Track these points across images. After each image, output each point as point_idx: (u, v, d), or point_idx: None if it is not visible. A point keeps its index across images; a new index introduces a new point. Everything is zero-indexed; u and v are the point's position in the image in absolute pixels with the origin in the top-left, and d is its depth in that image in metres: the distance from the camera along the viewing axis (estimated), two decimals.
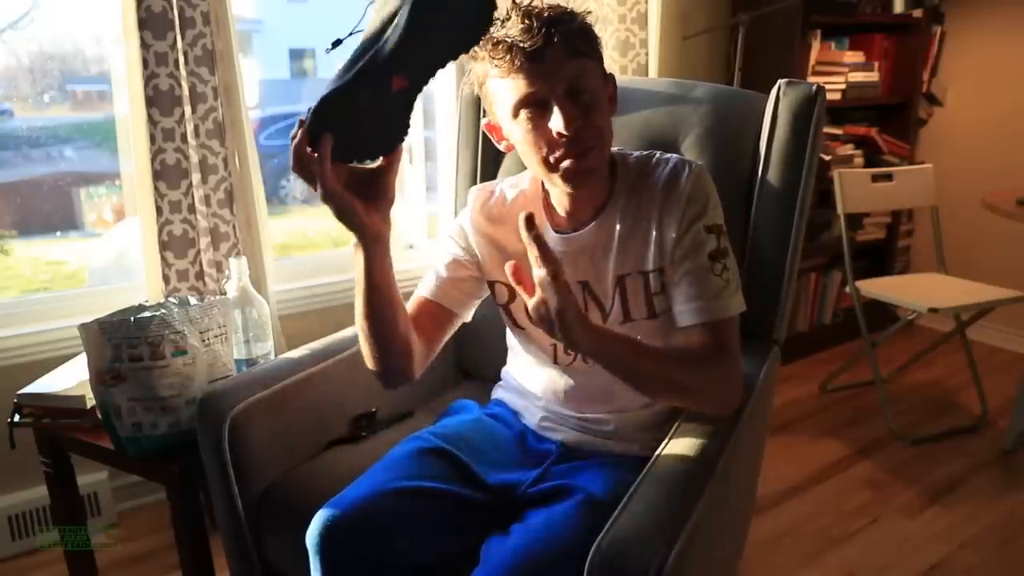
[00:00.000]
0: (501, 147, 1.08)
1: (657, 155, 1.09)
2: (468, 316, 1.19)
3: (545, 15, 0.95)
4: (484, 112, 1.08)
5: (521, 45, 0.94)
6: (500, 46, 0.95)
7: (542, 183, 1.12)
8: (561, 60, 0.95)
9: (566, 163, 0.98)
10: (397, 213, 2.38)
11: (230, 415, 1.15)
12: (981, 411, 2.46)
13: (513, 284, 0.90)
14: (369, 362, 1.06)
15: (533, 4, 0.98)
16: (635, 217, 1.06)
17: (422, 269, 2.24)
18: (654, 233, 1.05)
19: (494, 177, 1.56)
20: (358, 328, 1.03)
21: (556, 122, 0.95)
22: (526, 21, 0.94)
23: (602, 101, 1.00)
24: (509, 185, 1.17)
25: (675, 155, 1.09)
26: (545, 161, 0.99)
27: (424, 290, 1.16)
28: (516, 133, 1.01)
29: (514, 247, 1.11)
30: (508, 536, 0.98)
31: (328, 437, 1.32)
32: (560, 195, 1.08)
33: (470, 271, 1.16)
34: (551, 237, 1.10)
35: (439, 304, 1.15)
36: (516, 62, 0.95)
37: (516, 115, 0.98)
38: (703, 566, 0.96)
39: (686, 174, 1.04)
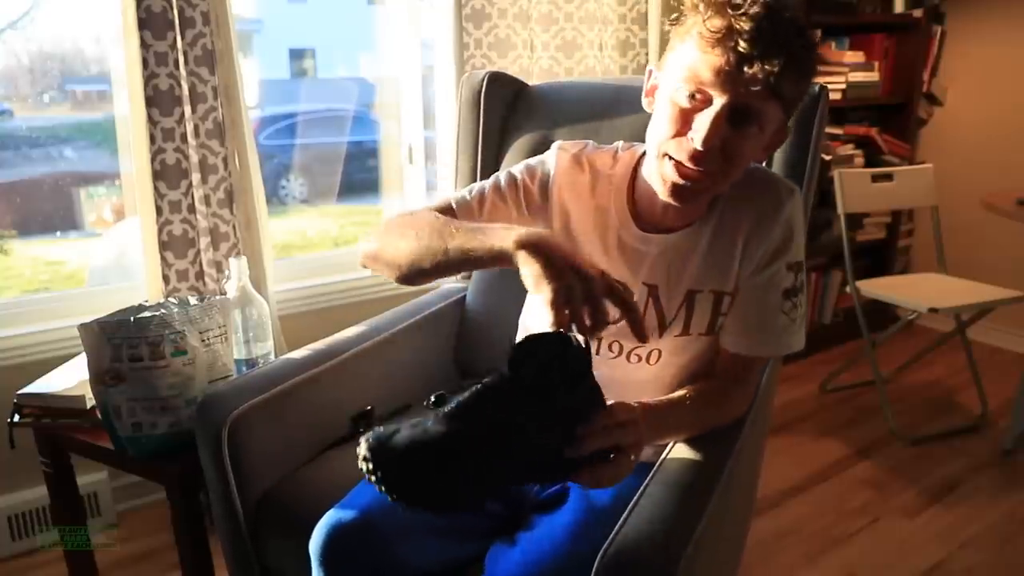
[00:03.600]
0: (644, 102, 1.00)
1: (758, 172, 1.01)
2: None
3: (782, 35, 0.83)
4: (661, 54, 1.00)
5: (740, 40, 0.83)
6: (722, 22, 0.84)
7: (633, 171, 1.04)
8: (760, 82, 0.84)
9: (671, 171, 0.91)
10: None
11: (229, 419, 1.15)
12: (981, 411, 2.46)
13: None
14: (390, 274, 0.99)
15: (785, 6, 0.85)
16: (724, 236, 1.00)
17: None
18: (738, 256, 1.00)
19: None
20: (406, 259, 0.95)
21: (699, 128, 0.87)
22: (764, 23, 0.83)
23: (759, 142, 0.92)
24: (598, 156, 1.07)
25: (774, 175, 1.02)
26: (663, 144, 0.92)
27: (457, 201, 1.06)
28: (663, 98, 0.92)
29: (582, 217, 1.05)
30: (514, 545, 0.97)
31: (328, 439, 1.32)
32: (649, 190, 0.99)
33: (510, 214, 1.05)
34: (632, 233, 1.03)
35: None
36: (722, 47, 0.84)
37: (679, 86, 0.89)
38: (707, 570, 0.96)
39: (783, 205, 0.98)
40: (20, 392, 1.36)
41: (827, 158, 2.80)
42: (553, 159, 1.07)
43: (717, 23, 0.84)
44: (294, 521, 1.10)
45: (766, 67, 0.83)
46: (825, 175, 2.61)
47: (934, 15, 3.01)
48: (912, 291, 2.46)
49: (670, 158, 0.91)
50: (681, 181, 0.91)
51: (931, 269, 2.69)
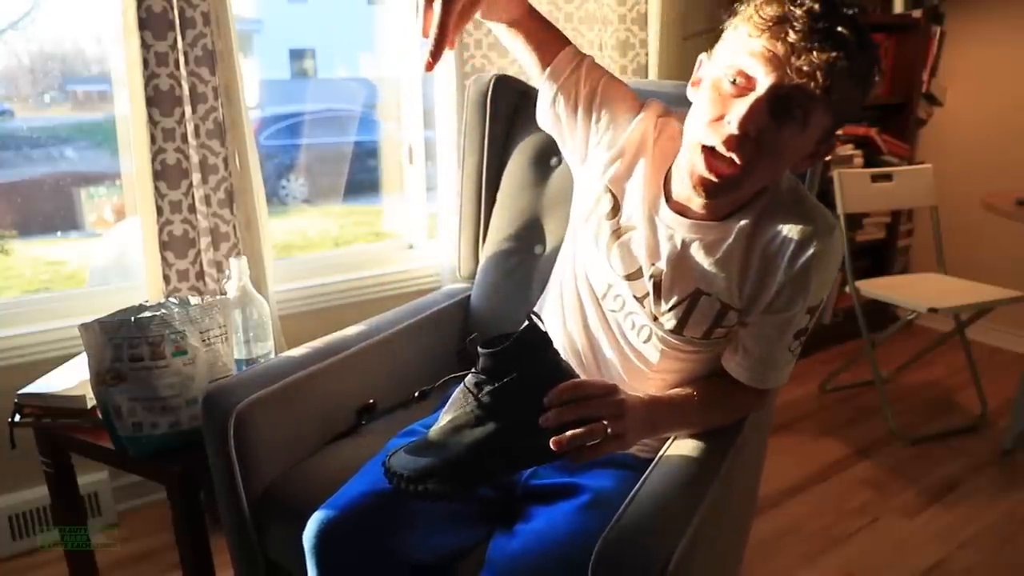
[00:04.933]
0: (688, 92, 0.98)
1: (803, 202, 0.98)
2: (532, 64, 1.15)
3: (837, 29, 0.80)
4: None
5: (792, 29, 0.81)
6: (776, 10, 0.82)
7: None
8: (808, 75, 0.81)
9: (702, 164, 0.89)
10: (397, 213, 2.39)
11: (235, 410, 1.15)
12: (981, 411, 2.46)
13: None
14: None
15: (846, 1, 0.83)
16: (749, 249, 0.97)
17: (422, 269, 2.26)
18: (755, 279, 0.97)
19: (499, 178, 1.56)
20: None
21: (737, 111, 0.84)
22: (819, 14, 0.81)
23: (800, 144, 0.88)
24: (673, 124, 1.06)
25: (818, 208, 0.97)
26: (699, 131, 0.89)
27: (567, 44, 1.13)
28: (706, 84, 0.90)
29: (638, 169, 1.05)
30: (513, 536, 0.97)
31: (332, 432, 1.32)
32: (682, 179, 0.96)
33: (579, 118, 1.11)
34: (661, 207, 1.01)
35: (551, 50, 1.11)
36: (772, 34, 0.82)
37: (724, 71, 0.87)
38: (705, 565, 0.96)
39: (817, 247, 0.93)
40: (20, 392, 1.36)
41: (827, 158, 2.80)
42: (648, 108, 1.09)
43: (770, 11, 0.83)
44: (297, 514, 1.10)
45: (815, 59, 0.80)
46: (825, 175, 2.61)
47: (933, 15, 3.01)
48: (912, 291, 2.46)
49: (704, 148, 0.88)
50: (710, 176, 0.89)
51: (931, 269, 2.69)
